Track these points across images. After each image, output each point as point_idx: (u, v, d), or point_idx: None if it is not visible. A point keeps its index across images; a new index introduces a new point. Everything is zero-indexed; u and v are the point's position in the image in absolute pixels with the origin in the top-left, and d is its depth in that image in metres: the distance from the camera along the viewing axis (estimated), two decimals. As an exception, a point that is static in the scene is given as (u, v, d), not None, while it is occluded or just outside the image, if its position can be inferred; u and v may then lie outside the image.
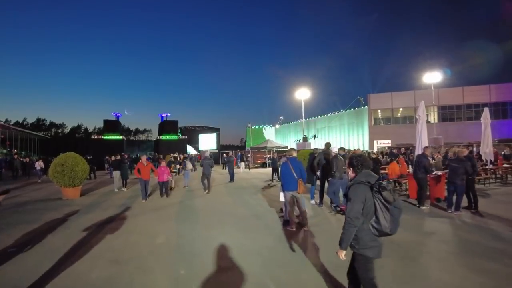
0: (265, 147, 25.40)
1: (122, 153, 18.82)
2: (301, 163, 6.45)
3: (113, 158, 14.97)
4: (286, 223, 6.58)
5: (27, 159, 18.14)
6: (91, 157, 18.94)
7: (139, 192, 10.37)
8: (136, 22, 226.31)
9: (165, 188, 10.59)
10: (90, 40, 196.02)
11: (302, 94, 24.73)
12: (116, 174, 13.04)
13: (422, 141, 11.92)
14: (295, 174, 6.13)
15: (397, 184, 12.18)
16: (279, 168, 6.69)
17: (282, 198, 6.55)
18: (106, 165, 23.25)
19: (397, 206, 2.46)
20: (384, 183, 2.50)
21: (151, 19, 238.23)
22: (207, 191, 11.55)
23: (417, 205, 8.46)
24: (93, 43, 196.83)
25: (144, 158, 10.13)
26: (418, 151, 11.77)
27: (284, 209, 6.83)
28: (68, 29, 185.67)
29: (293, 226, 6.29)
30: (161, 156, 25.07)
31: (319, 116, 51.42)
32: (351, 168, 2.79)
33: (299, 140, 46.82)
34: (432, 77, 22.78)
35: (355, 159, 2.76)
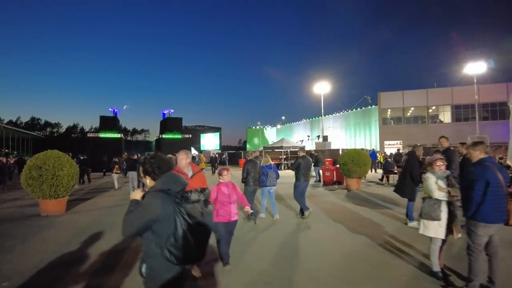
0: (281, 147, 22.15)
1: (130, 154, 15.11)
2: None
3: (135, 157, 12.48)
4: (445, 281, 3.37)
5: (4, 160, 14.25)
6: (85, 157, 15.38)
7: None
8: (135, 18, 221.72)
9: (226, 242, 3.94)
10: (87, 37, 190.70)
11: (322, 88, 21.49)
12: (131, 175, 11.24)
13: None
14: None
15: None
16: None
17: (439, 234, 3.36)
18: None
19: (205, 223, 1.78)
20: (191, 192, 1.76)
21: (150, 15, 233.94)
22: None
23: None
24: (90, 39, 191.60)
25: (184, 159, 3.67)
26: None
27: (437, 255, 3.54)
28: (63, 25, 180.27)
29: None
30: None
31: (323, 116, 48.43)
32: (148, 176, 1.93)
33: (302, 140, 43.94)
34: (475, 68, 19.69)
35: (149, 164, 1.93)
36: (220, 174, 4.03)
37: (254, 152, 8.08)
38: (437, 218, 3.35)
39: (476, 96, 22.27)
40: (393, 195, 9.89)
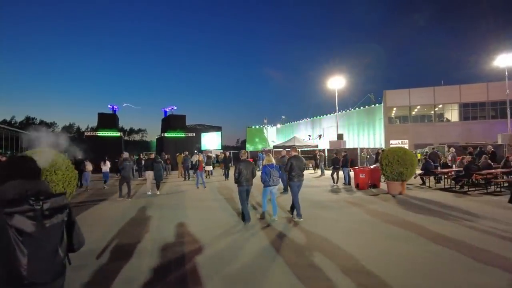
0: (293, 146, 20.47)
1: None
2: None
3: (152, 156, 12.11)
4: None
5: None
6: (84, 157, 13.52)
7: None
8: (132, 14, 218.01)
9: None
10: (82, 33, 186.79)
11: (336, 83, 19.85)
12: (149, 174, 11.00)
13: None
14: None
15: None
16: None
17: None
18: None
19: (44, 237, 1.47)
20: (32, 202, 1.42)
21: (148, 12, 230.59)
22: (123, 197, 9.49)
23: None
24: (86, 36, 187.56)
25: None
26: None
27: None
28: (58, 21, 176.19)
29: None
30: (167, 156, 19.90)
31: (324, 116, 47.10)
32: None
33: (304, 140, 42.41)
34: (508, 60, 18.09)
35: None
36: None
37: (246, 152, 7.48)
38: None
39: (507, 91, 20.79)
40: (450, 200, 8.19)
